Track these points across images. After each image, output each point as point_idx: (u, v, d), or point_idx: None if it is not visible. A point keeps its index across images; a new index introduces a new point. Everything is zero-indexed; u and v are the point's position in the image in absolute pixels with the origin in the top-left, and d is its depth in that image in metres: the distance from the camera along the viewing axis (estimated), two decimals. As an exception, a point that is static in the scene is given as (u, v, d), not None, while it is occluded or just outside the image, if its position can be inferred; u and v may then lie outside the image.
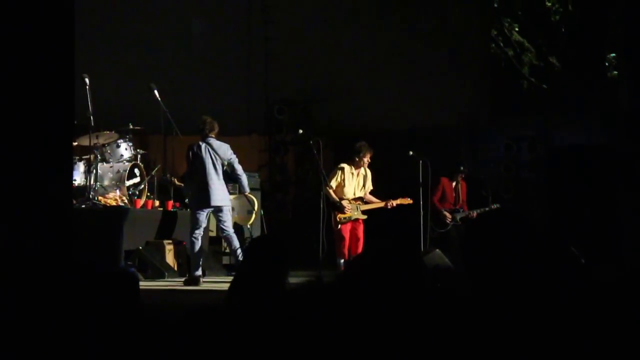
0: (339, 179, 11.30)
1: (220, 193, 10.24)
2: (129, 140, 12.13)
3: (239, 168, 10.48)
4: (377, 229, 11.32)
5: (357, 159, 11.33)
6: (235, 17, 15.25)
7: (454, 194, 12.61)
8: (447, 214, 12.40)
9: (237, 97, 15.09)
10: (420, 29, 14.85)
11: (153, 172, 12.06)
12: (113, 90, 13.20)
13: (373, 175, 11.55)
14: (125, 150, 12.01)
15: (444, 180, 12.54)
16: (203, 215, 10.27)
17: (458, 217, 12.48)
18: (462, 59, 14.74)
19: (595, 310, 2.70)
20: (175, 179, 11.76)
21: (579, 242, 9.72)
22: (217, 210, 10.30)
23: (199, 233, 10.25)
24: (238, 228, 11.94)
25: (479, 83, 14.94)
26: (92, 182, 11.42)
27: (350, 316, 2.57)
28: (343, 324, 2.55)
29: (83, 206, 11.12)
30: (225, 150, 10.35)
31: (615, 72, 14.91)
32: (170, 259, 11.29)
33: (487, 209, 12.43)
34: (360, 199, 11.44)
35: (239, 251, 10.31)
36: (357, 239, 11.28)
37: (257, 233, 12.16)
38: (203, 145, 10.22)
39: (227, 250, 11.89)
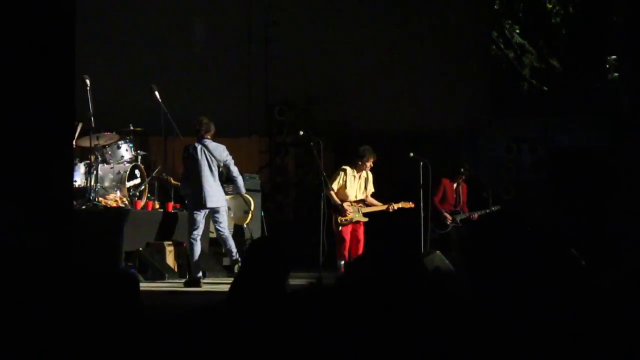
0: (341, 182, 11.30)
1: (215, 194, 10.26)
2: (130, 142, 12.12)
3: (234, 170, 10.49)
4: (377, 230, 11.32)
5: (359, 163, 11.33)
6: (236, 19, 15.25)
7: (454, 195, 12.61)
8: (448, 215, 12.39)
9: (237, 98, 15.09)
10: (421, 31, 14.86)
11: (154, 174, 12.05)
12: (114, 92, 13.20)
13: (374, 177, 11.55)
14: (125, 151, 12.00)
15: (445, 181, 12.54)
16: (200, 216, 10.28)
17: (458, 218, 12.48)
18: (463, 61, 14.74)
19: (596, 311, 2.70)
20: (171, 178, 11.77)
21: (579, 244, 9.74)
22: (213, 211, 10.31)
23: (197, 234, 10.26)
24: (238, 229, 11.95)
25: (479, 85, 14.94)
26: (92, 184, 11.42)
27: (350, 318, 2.57)
28: (343, 325, 2.55)
29: (83, 207, 11.11)
30: (221, 151, 10.35)
31: (616, 74, 14.93)
32: (170, 260, 11.28)
33: (487, 210, 12.44)
34: (362, 201, 11.43)
35: (234, 252, 10.31)
36: (358, 241, 11.27)
37: (257, 234, 12.15)
38: (199, 147, 10.23)
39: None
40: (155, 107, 11.42)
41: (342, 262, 10.98)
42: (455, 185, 12.62)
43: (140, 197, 11.88)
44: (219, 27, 15.15)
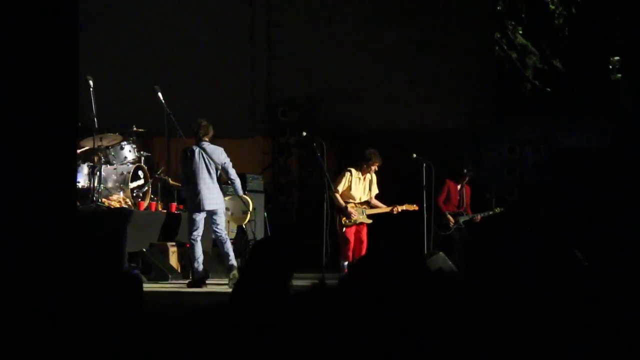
0: (346, 184, 11.30)
1: (213, 197, 10.28)
2: (133, 143, 12.14)
3: (232, 172, 10.49)
4: (380, 231, 11.32)
5: (365, 166, 11.33)
6: (239, 20, 15.26)
7: (458, 197, 12.63)
8: (450, 218, 12.42)
9: (240, 99, 15.10)
10: (424, 32, 14.86)
11: (161, 175, 12.06)
12: (117, 92, 13.21)
13: (377, 178, 11.55)
14: (129, 152, 12.01)
15: (450, 182, 12.56)
16: (199, 217, 10.30)
17: (461, 220, 12.49)
18: (466, 62, 14.73)
19: (599, 313, 2.70)
20: (170, 179, 11.79)
21: (583, 245, 9.73)
22: (211, 213, 10.33)
23: (198, 235, 10.28)
24: (241, 231, 11.97)
25: (482, 86, 14.94)
26: (96, 184, 11.43)
27: (353, 319, 2.57)
28: (346, 326, 2.55)
29: (87, 208, 11.12)
30: (219, 154, 10.36)
31: (619, 75, 14.91)
32: (173, 261, 11.29)
33: (490, 213, 12.44)
34: (366, 202, 11.44)
35: (231, 256, 10.30)
36: (361, 242, 11.28)
37: (260, 235, 12.16)
38: (197, 150, 10.24)
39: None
40: (158, 108, 11.43)
41: (346, 263, 10.99)
42: (459, 186, 12.64)
43: (143, 198, 11.89)
44: (221, 28, 15.15)
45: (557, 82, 15.59)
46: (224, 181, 10.66)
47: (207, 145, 10.30)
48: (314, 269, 10.23)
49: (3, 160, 5.95)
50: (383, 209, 11.47)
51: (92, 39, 12.19)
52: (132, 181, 11.75)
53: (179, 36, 14.79)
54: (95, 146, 11.55)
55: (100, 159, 11.65)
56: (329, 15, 15.04)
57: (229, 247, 10.38)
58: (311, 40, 14.98)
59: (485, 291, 2.77)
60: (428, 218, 11.67)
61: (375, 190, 11.52)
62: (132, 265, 10.74)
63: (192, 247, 10.29)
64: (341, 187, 11.26)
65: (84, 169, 11.62)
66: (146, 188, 11.96)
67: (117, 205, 11.43)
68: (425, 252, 11.37)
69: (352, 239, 11.20)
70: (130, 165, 11.85)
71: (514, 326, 2.61)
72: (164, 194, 12.27)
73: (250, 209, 11.28)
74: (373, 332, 2.54)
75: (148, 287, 9.19)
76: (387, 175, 11.76)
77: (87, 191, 11.43)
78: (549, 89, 15.53)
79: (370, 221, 11.36)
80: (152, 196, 12.07)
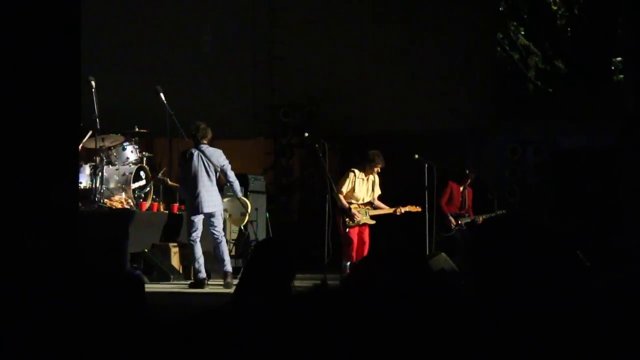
0: (350, 185, 11.31)
1: (212, 199, 10.29)
2: (135, 143, 12.14)
3: (231, 175, 10.51)
4: (382, 231, 11.33)
5: (368, 167, 11.34)
6: (241, 21, 15.26)
7: (460, 199, 12.64)
8: (452, 219, 12.43)
9: (243, 100, 15.10)
10: (426, 33, 14.86)
11: (159, 175, 12.07)
12: (119, 93, 13.22)
13: (380, 179, 11.57)
14: (131, 152, 12.02)
15: (452, 184, 12.57)
16: (198, 219, 10.31)
17: (463, 222, 12.50)
18: (468, 62, 14.73)
19: (600, 313, 2.70)
20: (169, 179, 11.80)
21: (584, 246, 9.74)
22: (209, 215, 10.34)
23: (197, 236, 10.30)
24: (242, 233, 11.98)
25: (484, 86, 14.93)
26: (98, 185, 11.44)
27: (355, 320, 2.57)
28: (348, 327, 2.56)
29: (89, 209, 11.13)
30: (218, 157, 10.37)
31: (621, 76, 14.91)
32: (175, 261, 11.30)
33: (492, 215, 12.44)
34: (370, 203, 11.44)
35: (226, 260, 10.29)
36: (363, 242, 11.29)
37: (262, 236, 12.17)
38: (195, 153, 10.25)
39: (233, 254, 11.90)
40: (160, 108, 11.43)
41: (348, 263, 11.00)
42: (461, 188, 12.65)
43: (145, 199, 11.90)
44: (224, 28, 15.16)
45: (559, 83, 15.60)
46: (222, 183, 10.68)
47: (206, 147, 10.31)
48: (315, 269, 10.24)
49: (4, 161, 5.95)
50: (386, 210, 11.48)
51: (95, 39, 12.20)
52: (134, 182, 11.76)
53: (181, 37, 14.80)
54: (98, 147, 11.55)
55: (102, 159, 11.65)
56: (338, 12, 15.03)
57: (224, 251, 10.35)
58: (313, 41, 14.98)
59: (486, 292, 2.77)
60: (430, 219, 11.67)
61: (377, 191, 11.53)
62: (134, 265, 10.74)
63: (192, 248, 10.31)
64: (345, 188, 11.27)
65: (86, 169, 11.62)
66: (148, 189, 11.97)
67: (119, 206, 11.44)
68: (427, 252, 11.38)
69: (355, 239, 11.20)
70: (132, 166, 11.86)
71: (516, 327, 2.61)
72: (165, 194, 12.27)
73: (249, 211, 11.29)
74: (375, 333, 2.54)
75: (150, 287, 9.18)
76: (388, 176, 11.76)
77: (89, 192, 11.43)
78: (551, 90, 15.53)
79: (373, 222, 11.37)
80: (154, 197, 12.08)
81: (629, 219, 12.23)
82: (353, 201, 11.30)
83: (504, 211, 12.69)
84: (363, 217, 11.29)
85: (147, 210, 11.79)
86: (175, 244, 11.39)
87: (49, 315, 2.99)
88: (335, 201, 11.15)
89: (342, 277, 10.59)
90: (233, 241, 12.08)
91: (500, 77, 15.52)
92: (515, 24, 16.11)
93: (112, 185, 11.69)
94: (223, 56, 15.02)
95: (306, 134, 12.13)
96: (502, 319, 2.64)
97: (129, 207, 11.52)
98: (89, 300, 3.04)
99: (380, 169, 11.37)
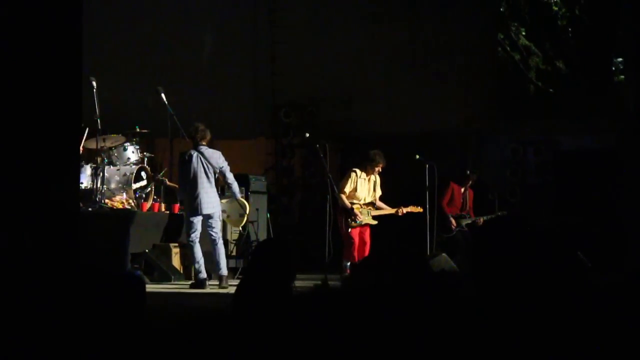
0: (352, 185, 11.32)
1: (211, 201, 10.30)
2: (136, 144, 12.15)
3: (230, 176, 10.52)
4: (383, 232, 11.33)
5: (369, 167, 11.35)
6: (241, 21, 15.26)
7: (461, 200, 12.65)
8: (453, 221, 12.43)
9: (243, 100, 15.10)
10: (426, 33, 14.85)
11: (160, 176, 12.07)
12: (120, 94, 13.22)
13: (381, 179, 11.57)
14: (132, 153, 12.03)
15: (454, 185, 12.58)
16: (196, 220, 10.32)
17: (464, 223, 12.51)
18: (469, 63, 14.73)
19: (601, 313, 2.70)
20: (167, 180, 11.81)
21: (585, 247, 9.73)
22: (208, 217, 10.34)
23: (196, 236, 10.31)
24: (242, 235, 11.98)
25: (485, 87, 14.92)
26: (99, 185, 11.45)
27: (356, 320, 2.58)
28: (349, 328, 2.56)
29: (90, 209, 11.13)
30: (217, 158, 10.37)
31: (622, 77, 14.90)
32: (176, 262, 11.30)
33: (493, 216, 12.44)
34: (372, 204, 11.44)
35: (221, 263, 10.28)
36: (364, 243, 11.29)
37: (263, 236, 12.17)
38: (195, 154, 10.25)
39: (234, 254, 11.91)
40: (161, 109, 11.44)
41: (348, 263, 11.00)
42: (462, 189, 12.66)
43: (146, 199, 11.90)
44: (225, 29, 15.16)
45: (560, 84, 15.58)
46: (222, 184, 10.68)
47: (205, 149, 10.32)
48: (316, 269, 10.24)
49: (6, 161, 5.96)
50: (388, 210, 11.49)
51: (96, 40, 12.20)
52: (135, 182, 11.77)
53: (182, 37, 14.80)
54: (99, 147, 11.56)
55: (103, 160, 11.66)
56: (339, 12, 15.03)
57: (221, 254, 10.34)
58: (314, 41, 14.97)
59: (487, 293, 2.77)
60: (431, 219, 11.67)
61: (378, 191, 11.53)
62: (135, 266, 10.75)
63: (192, 248, 10.32)
64: (348, 188, 11.28)
65: (87, 169, 11.63)
66: (149, 189, 11.98)
67: (120, 206, 11.44)
68: (428, 253, 11.38)
69: (356, 239, 11.21)
70: (133, 166, 11.87)
71: (516, 327, 2.61)
72: (166, 195, 12.28)
73: (247, 212, 11.31)
74: (376, 332, 2.54)
75: (151, 288, 9.19)
76: (389, 176, 11.76)
77: (90, 192, 11.44)
78: (552, 90, 15.51)
79: (375, 222, 11.38)
80: (155, 197, 12.08)
81: (630, 219, 12.22)
82: (355, 201, 11.30)
83: (504, 212, 12.69)
84: (365, 217, 11.30)
85: (148, 210, 11.80)
86: (176, 245, 11.40)
87: (49, 315, 2.99)
88: (337, 201, 11.16)
89: (342, 277, 10.60)
90: (234, 241, 12.09)
91: (501, 77, 15.49)
92: (516, 24, 16.10)
93: (113, 186, 11.69)
94: (224, 56, 15.01)
95: (307, 135, 12.13)
96: (503, 319, 2.64)
97: (130, 207, 11.52)
98: (90, 301, 3.04)
99: (382, 168, 11.38)
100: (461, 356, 2.55)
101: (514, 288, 2.73)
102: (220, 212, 10.61)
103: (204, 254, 10.36)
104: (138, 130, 12.13)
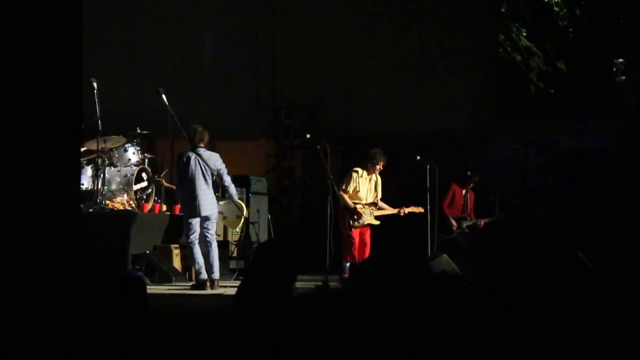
0: (354, 184, 11.32)
1: (208, 203, 10.31)
2: (137, 145, 12.15)
3: (227, 179, 10.53)
4: (384, 233, 11.33)
5: (370, 165, 11.35)
6: (242, 22, 15.26)
7: (463, 202, 12.66)
8: (454, 222, 12.44)
9: (244, 101, 15.10)
10: (427, 34, 14.85)
11: (158, 176, 12.07)
12: (121, 94, 13.22)
13: (382, 180, 11.57)
14: (132, 154, 12.03)
15: (455, 186, 12.59)
16: (195, 221, 10.32)
17: (465, 224, 12.51)
18: (470, 64, 14.73)
19: (602, 314, 2.70)
20: (164, 180, 11.80)
21: (586, 248, 9.73)
22: (205, 219, 10.35)
23: (195, 237, 10.32)
24: (242, 236, 11.99)
25: (486, 88, 14.93)
26: (99, 186, 11.44)
27: (357, 322, 2.57)
28: (349, 329, 2.55)
29: (91, 210, 11.13)
30: (215, 160, 10.38)
31: (623, 77, 14.90)
32: (177, 263, 11.30)
33: (494, 218, 12.45)
34: (374, 204, 11.44)
35: (215, 267, 10.27)
36: (364, 244, 11.28)
37: (264, 237, 12.17)
38: (193, 156, 10.25)
39: (234, 255, 11.91)
40: (162, 110, 11.44)
41: (348, 264, 11.00)
42: (464, 191, 12.68)
43: (147, 200, 11.90)
44: (225, 30, 15.16)
45: (561, 84, 15.58)
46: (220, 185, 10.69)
47: (203, 151, 10.32)
48: (317, 270, 10.23)
49: (6, 162, 5.95)
50: (390, 210, 11.49)
51: (97, 40, 12.20)
52: (135, 183, 11.76)
53: (182, 38, 14.80)
54: (99, 148, 11.56)
55: (104, 161, 11.65)
56: (340, 13, 15.04)
57: (215, 257, 10.33)
58: (315, 42, 14.98)
59: (488, 294, 2.77)
60: (432, 220, 11.68)
61: (379, 192, 11.53)
62: (136, 267, 10.75)
63: (191, 250, 10.33)
64: (350, 188, 11.28)
65: (88, 171, 11.63)
66: (150, 190, 11.98)
67: (121, 207, 11.44)
68: (429, 254, 11.38)
69: (356, 240, 11.21)
70: (134, 167, 11.87)
71: (517, 328, 2.61)
72: (167, 196, 12.28)
73: (244, 214, 11.31)
74: (376, 334, 2.54)
75: (152, 289, 9.19)
76: (390, 177, 11.77)
77: (91, 193, 11.44)
78: (552, 91, 15.51)
79: (377, 222, 11.38)
80: (155, 198, 12.08)
81: (631, 220, 12.21)
82: (357, 201, 11.30)
83: (506, 215, 12.70)
84: (368, 217, 11.29)
85: (148, 211, 11.80)
86: (177, 246, 11.40)
87: (50, 316, 2.99)
88: (338, 202, 11.15)
89: (342, 277, 10.60)
90: (235, 243, 12.09)
91: (502, 78, 15.50)
92: (517, 25, 16.10)
93: (113, 187, 11.69)
94: (224, 57, 15.01)
95: (308, 136, 12.14)
96: (504, 321, 2.64)
97: (130, 208, 11.52)
98: (91, 302, 3.04)
99: (383, 166, 11.38)
100: (462, 357, 2.55)
101: (515, 289, 2.72)
102: (217, 214, 10.62)
103: (203, 255, 10.35)
104: (139, 131, 12.12)
